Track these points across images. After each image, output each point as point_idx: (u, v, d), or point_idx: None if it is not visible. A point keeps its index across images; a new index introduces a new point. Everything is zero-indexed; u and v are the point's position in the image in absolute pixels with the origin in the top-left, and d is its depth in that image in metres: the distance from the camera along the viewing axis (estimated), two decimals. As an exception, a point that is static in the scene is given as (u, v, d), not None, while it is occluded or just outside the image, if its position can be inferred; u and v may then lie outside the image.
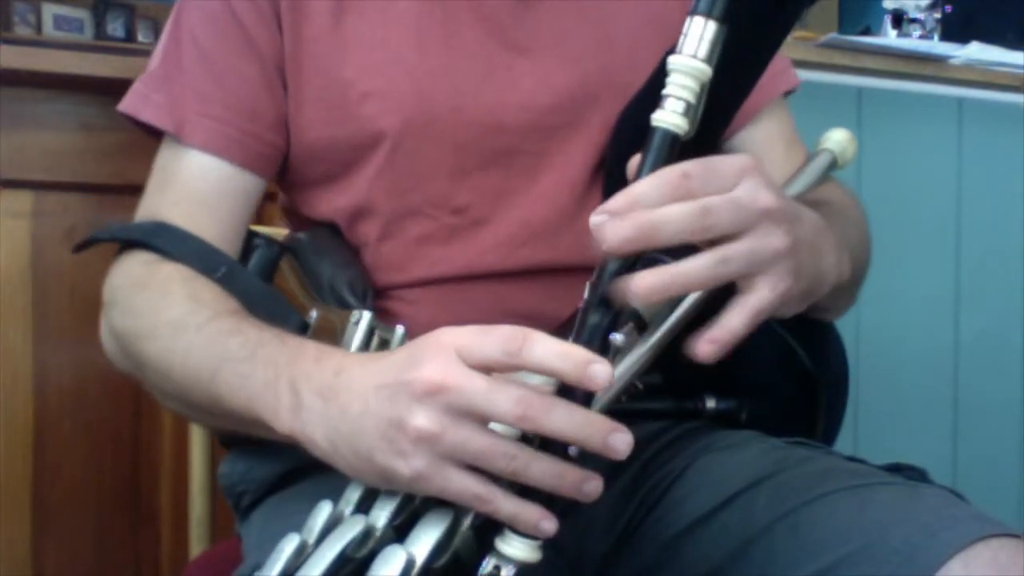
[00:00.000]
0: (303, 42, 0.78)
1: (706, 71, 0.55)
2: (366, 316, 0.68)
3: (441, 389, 0.50)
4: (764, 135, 0.88)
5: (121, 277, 0.75)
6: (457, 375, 0.51)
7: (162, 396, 0.72)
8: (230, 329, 0.65)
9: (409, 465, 0.51)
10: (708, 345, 0.56)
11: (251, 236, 0.81)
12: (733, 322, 0.57)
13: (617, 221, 0.53)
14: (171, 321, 0.68)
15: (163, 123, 0.78)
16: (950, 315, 1.91)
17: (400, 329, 0.69)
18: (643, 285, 0.53)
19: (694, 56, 0.55)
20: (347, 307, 0.77)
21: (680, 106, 0.55)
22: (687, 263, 0.54)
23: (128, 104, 0.80)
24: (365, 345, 0.68)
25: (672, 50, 0.55)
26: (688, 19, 0.55)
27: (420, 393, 0.51)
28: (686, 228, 0.53)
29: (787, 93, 0.91)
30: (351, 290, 0.78)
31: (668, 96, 0.55)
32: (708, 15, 0.55)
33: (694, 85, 0.55)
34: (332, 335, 0.69)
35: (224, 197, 0.78)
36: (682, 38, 0.55)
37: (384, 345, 0.68)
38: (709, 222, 0.54)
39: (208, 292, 0.70)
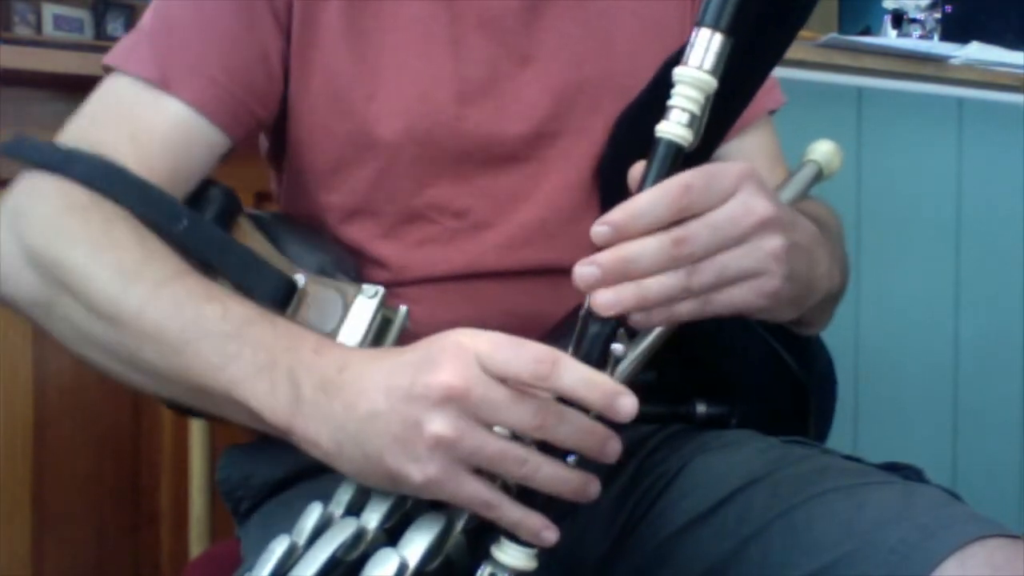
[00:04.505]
0: (314, 30, 0.76)
1: (711, 83, 0.55)
2: (381, 292, 0.68)
3: (462, 395, 0.50)
4: (749, 149, 0.88)
5: (46, 187, 0.66)
6: (479, 383, 0.51)
7: (82, 343, 0.63)
8: (203, 295, 0.61)
9: (423, 470, 0.51)
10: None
11: (207, 185, 0.75)
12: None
13: (589, 265, 0.54)
14: (119, 265, 0.62)
15: (147, 73, 0.72)
16: (950, 315, 1.91)
17: (403, 309, 0.69)
18: (600, 300, 0.54)
19: (700, 68, 0.55)
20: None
21: (685, 117, 0.55)
22: (652, 280, 0.55)
23: (114, 57, 0.75)
24: (371, 322, 0.67)
25: (672, 57, 0.55)
26: (695, 30, 0.55)
27: (439, 398, 0.51)
28: (660, 262, 0.54)
29: (772, 112, 0.91)
30: (339, 267, 0.77)
31: (674, 107, 0.55)
32: (715, 27, 0.55)
33: (699, 97, 0.55)
34: (319, 306, 0.69)
35: (190, 148, 0.73)
36: (688, 49, 0.55)
37: (386, 324, 0.68)
38: (686, 251, 0.54)
39: (159, 245, 0.64)
